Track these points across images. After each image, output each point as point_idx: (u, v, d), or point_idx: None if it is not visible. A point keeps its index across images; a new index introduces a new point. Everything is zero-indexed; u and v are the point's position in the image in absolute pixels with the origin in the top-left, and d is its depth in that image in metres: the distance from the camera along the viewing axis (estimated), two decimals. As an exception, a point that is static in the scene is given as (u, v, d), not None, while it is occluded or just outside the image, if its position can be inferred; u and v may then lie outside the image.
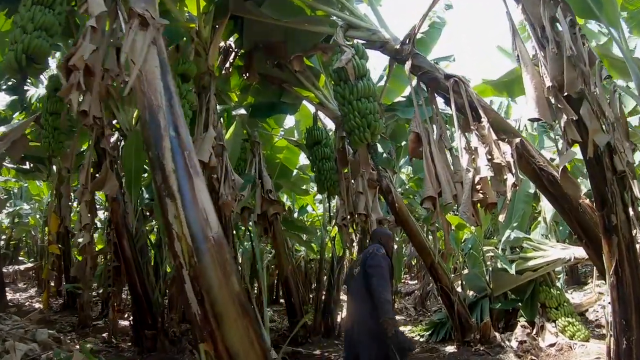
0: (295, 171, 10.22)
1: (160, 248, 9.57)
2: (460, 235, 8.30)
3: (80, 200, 7.11)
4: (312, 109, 8.03)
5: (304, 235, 10.82)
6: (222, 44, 7.54)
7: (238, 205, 7.74)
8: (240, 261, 11.04)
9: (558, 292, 7.84)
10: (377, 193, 7.25)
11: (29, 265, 16.57)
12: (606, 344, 4.38)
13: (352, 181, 7.06)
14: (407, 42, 5.56)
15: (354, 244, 8.18)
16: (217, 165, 6.09)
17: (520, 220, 8.10)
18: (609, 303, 4.23)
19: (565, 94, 4.08)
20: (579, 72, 3.93)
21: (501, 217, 4.22)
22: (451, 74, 5.16)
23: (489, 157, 4.44)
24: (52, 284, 12.14)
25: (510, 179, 4.23)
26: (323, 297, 9.06)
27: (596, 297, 10.10)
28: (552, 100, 4.15)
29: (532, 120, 4.24)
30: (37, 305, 11.84)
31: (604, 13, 5.01)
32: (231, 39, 7.68)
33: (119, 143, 8.05)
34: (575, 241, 15.29)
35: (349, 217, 7.02)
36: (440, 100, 5.42)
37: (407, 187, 11.75)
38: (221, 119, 6.82)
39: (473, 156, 4.59)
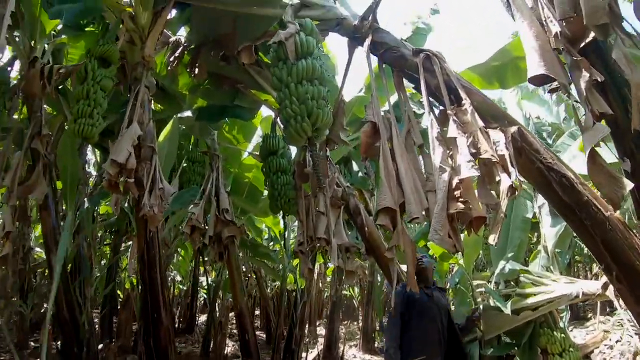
0: (265, 192, 8.62)
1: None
2: (444, 267, 6.57)
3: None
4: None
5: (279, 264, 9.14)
6: (172, 38, 6.17)
7: (172, 219, 6.31)
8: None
9: (562, 335, 6.04)
10: (342, 214, 5.57)
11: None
12: None
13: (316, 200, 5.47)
14: (367, 16, 4.02)
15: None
16: (144, 170, 4.91)
17: (517, 250, 6.37)
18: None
19: (582, 44, 2.45)
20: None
21: (492, 239, 2.53)
22: (422, 49, 3.57)
23: (473, 150, 2.79)
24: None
25: (505, 181, 2.57)
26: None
27: (602, 335, 8.33)
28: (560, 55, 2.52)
29: (535, 82, 2.59)
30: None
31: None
32: (183, 32, 6.41)
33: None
34: (578, 273, 13.51)
35: (307, 241, 5.34)
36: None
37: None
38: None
39: (450, 151, 2.93)
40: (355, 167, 8.20)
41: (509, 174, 2.58)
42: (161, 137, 6.00)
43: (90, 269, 7.46)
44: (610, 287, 5.06)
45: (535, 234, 9.89)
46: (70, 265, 7.51)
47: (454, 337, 4.23)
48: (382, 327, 11.86)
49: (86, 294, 6.76)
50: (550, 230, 6.38)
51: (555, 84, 2.65)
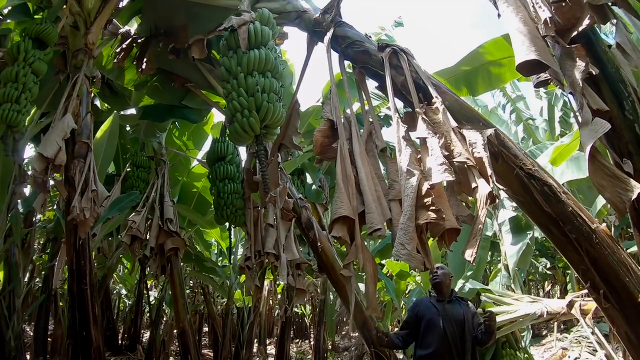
0: (214, 204, 8.05)
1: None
2: (402, 287, 6.16)
3: None
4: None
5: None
6: (122, 29, 5.66)
7: (109, 225, 5.68)
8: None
9: (526, 355, 5.74)
10: (294, 228, 5.12)
11: None
12: None
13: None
14: (330, 9, 3.62)
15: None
16: (76, 168, 4.40)
17: (476, 269, 6.06)
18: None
19: (573, 34, 2.11)
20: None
21: (468, 255, 2.11)
22: (388, 44, 3.18)
23: (446, 153, 2.39)
24: None
25: (483, 187, 2.17)
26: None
27: (561, 353, 8.13)
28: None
29: (523, 70, 2.21)
30: None
31: None
32: (134, 24, 5.88)
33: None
34: (530, 291, 13.33)
35: (255, 256, 4.85)
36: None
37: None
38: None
39: (419, 154, 2.52)
40: (309, 179, 7.75)
41: (488, 180, 2.18)
42: (99, 134, 5.40)
43: (31, 277, 6.75)
44: (576, 305, 4.74)
45: (489, 253, 9.69)
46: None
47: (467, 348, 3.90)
48: (334, 347, 11.36)
49: (15, 305, 6.02)
50: (511, 249, 6.10)
51: (544, 76, 2.29)
